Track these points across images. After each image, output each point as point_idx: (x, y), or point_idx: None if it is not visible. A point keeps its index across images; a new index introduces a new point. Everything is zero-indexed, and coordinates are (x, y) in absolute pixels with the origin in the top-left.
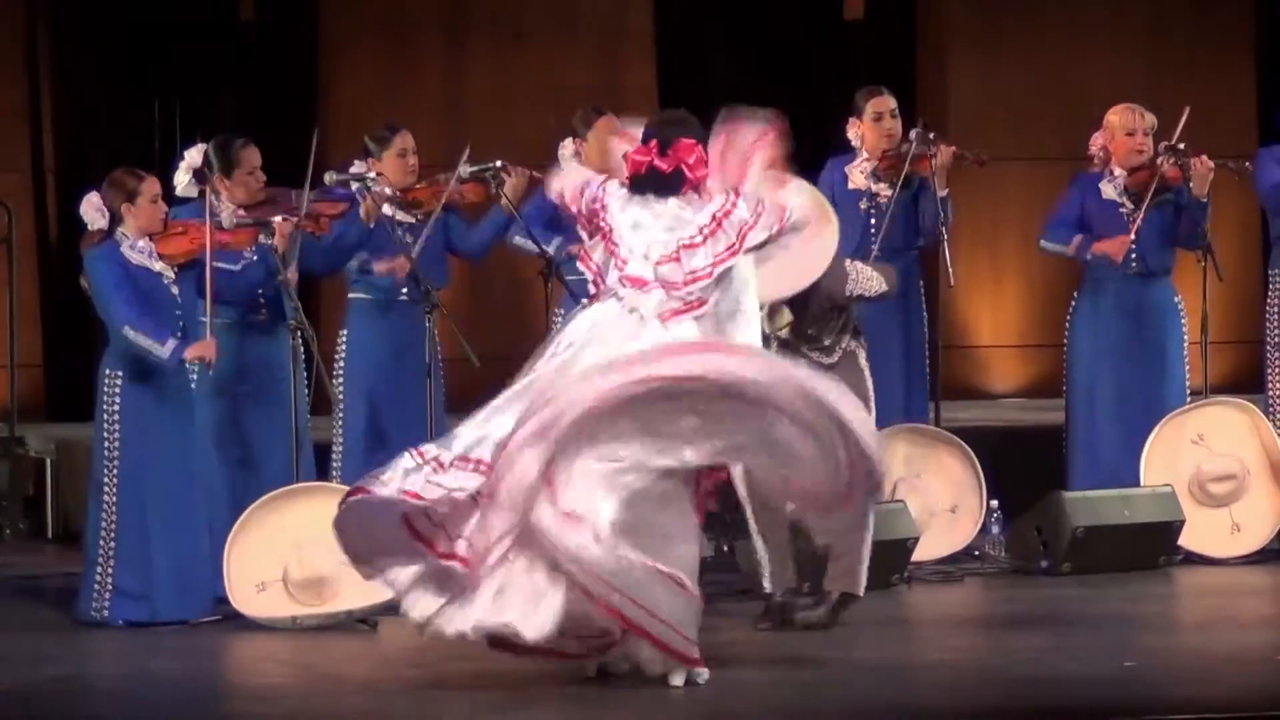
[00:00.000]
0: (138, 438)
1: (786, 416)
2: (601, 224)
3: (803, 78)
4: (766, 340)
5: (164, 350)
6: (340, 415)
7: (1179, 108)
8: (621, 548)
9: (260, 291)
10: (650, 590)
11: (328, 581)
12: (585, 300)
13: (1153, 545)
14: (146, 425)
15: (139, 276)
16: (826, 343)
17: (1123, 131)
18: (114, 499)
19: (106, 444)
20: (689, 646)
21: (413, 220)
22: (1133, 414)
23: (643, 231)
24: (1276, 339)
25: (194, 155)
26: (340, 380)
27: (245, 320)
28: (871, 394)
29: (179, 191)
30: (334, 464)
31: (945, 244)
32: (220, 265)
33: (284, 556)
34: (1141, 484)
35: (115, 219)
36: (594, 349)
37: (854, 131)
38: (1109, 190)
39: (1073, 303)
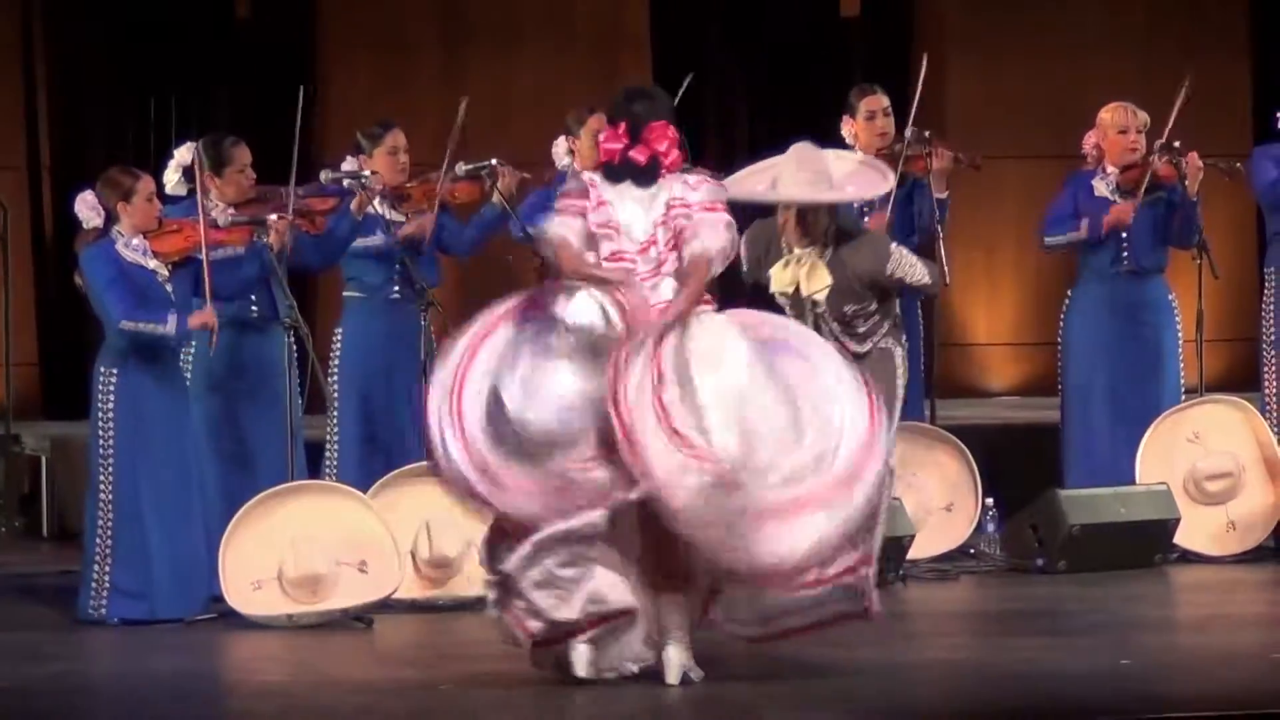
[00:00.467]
0: (133, 436)
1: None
2: (611, 221)
3: (799, 76)
4: (800, 303)
5: (167, 327)
6: (335, 413)
7: (1172, 101)
8: None
9: (254, 289)
10: None
11: (323, 579)
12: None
13: (1148, 543)
14: (142, 423)
15: (133, 274)
16: (861, 329)
17: (1115, 130)
18: (110, 497)
19: (102, 442)
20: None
21: (402, 219)
22: (1127, 412)
23: (634, 212)
24: (1273, 337)
25: (184, 154)
26: (335, 378)
27: (240, 318)
28: (900, 397)
29: (169, 190)
30: (328, 462)
31: (941, 242)
32: (215, 259)
33: (279, 554)
34: (1137, 482)
35: (110, 217)
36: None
37: (847, 130)
38: (1101, 188)
39: (1066, 300)
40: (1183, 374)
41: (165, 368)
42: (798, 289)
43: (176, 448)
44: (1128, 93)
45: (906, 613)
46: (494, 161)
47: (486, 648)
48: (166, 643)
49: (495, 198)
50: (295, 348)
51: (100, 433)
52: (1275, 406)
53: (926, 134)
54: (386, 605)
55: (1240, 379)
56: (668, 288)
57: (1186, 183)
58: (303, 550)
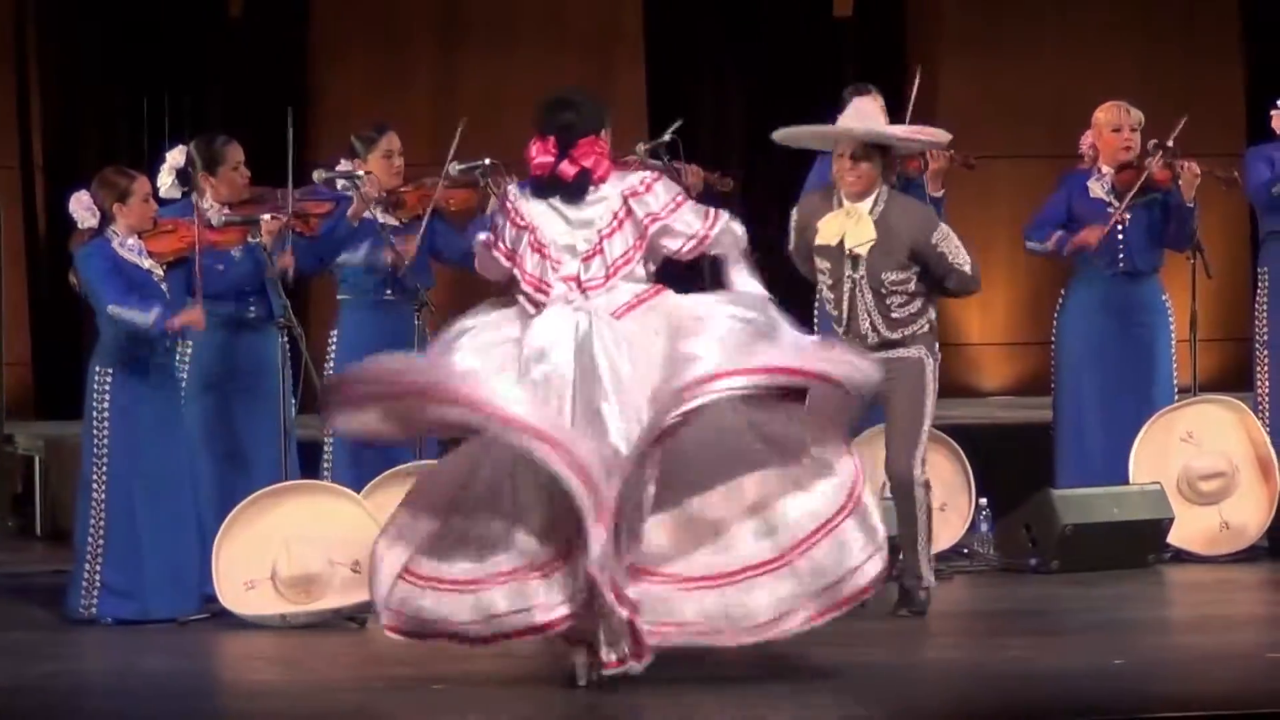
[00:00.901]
0: (127, 435)
1: None
2: (522, 224)
3: (793, 77)
4: (840, 260)
5: (148, 317)
6: None
7: (1168, 107)
8: None
9: (248, 289)
10: None
11: (316, 579)
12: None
13: (1142, 543)
14: (136, 423)
15: (129, 271)
16: (895, 311)
17: (1109, 128)
18: (103, 496)
19: (95, 441)
20: None
21: (396, 223)
22: (1121, 412)
23: (564, 227)
24: (1266, 337)
25: (176, 156)
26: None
27: (234, 318)
28: (928, 413)
29: (163, 193)
30: (325, 462)
31: None
32: (208, 259)
33: (273, 554)
34: (1130, 482)
35: (106, 218)
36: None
37: None
38: (1096, 189)
39: (1060, 300)
40: (1176, 374)
41: (159, 368)
42: (841, 242)
43: (170, 447)
44: (1122, 92)
45: (899, 613)
46: (487, 161)
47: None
48: (159, 642)
49: (491, 200)
50: (289, 348)
51: (94, 432)
52: (1268, 406)
53: None
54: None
55: (1233, 379)
56: (625, 291)
57: (1182, 187)
58: (296, 550)
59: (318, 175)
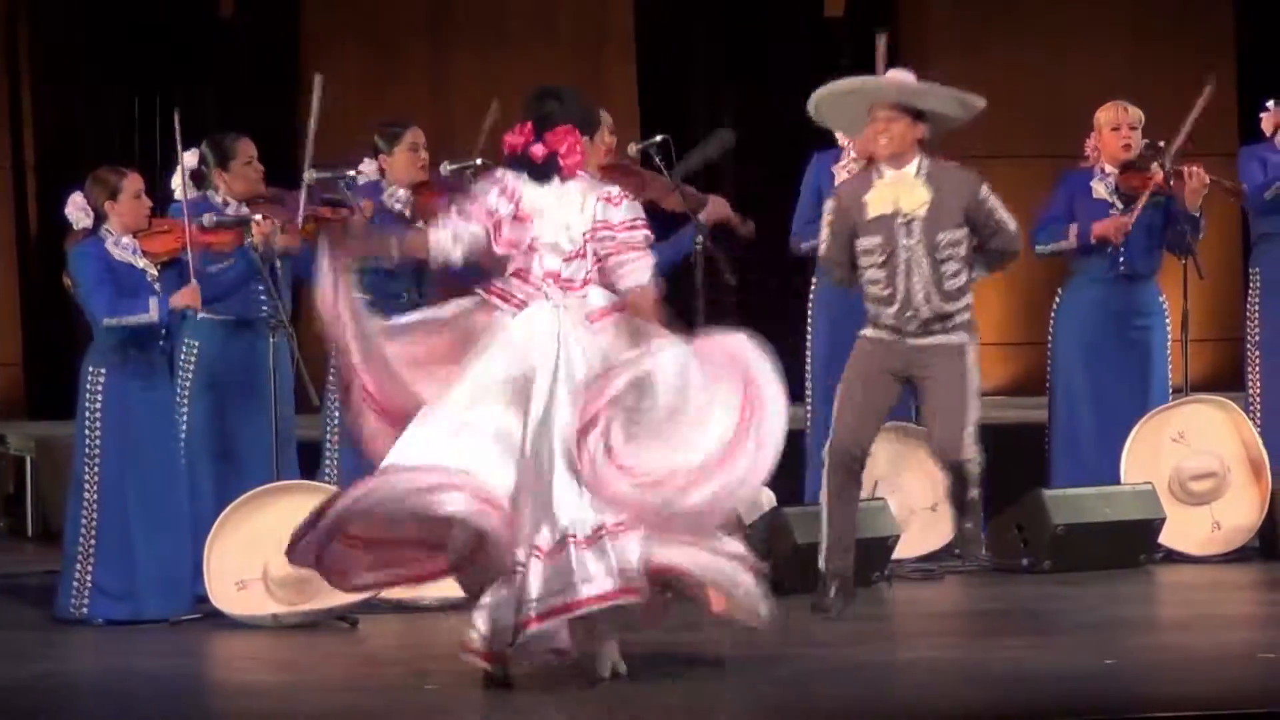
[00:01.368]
0: (119, 435)
1: None
2: (521, 215)
3: (783, 76)
4: (893, 229)
5: (150, 314)
6: (335, 414)
7: (1160, 105)
8: None
9: (243, 291)
10: None
11: (308, 580)
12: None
13: (1133, 543)
14: (129, 423)
15: (122, 271)
16: (950, 280)
17: (1108, 127)
18: (95, 496)
19: (88, 441)
20: None
21: (421, 224)
22: (1116, 413)
23: (552, 224)
24: (1257, 337)
25: (190, 158)
26: (332, 377)
27: (239, 318)
28: (971, 385)
29: (178, 195)
30: (326, 463)
31: None
32: (202, 265)
33: (264, 554)
34: (1122, 482)
35: (99, 216)
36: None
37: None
38: (1099, 189)
39: (1056, 301)
40: (1171, 376)
41: (152, 368)
42: (895, 211)
43: (162, 448)
44: (1113, 92)
45: (892, 612)
46: (479, 161)
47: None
48: (150, 643)
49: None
50: (280, 347)
51: (86, 433)
52: (1259, 406)
53: None
54: (371, 605)
55: (1225, 379)
56: (597, 296)
57: (1186, 199)
58: None
59: (309, 175)
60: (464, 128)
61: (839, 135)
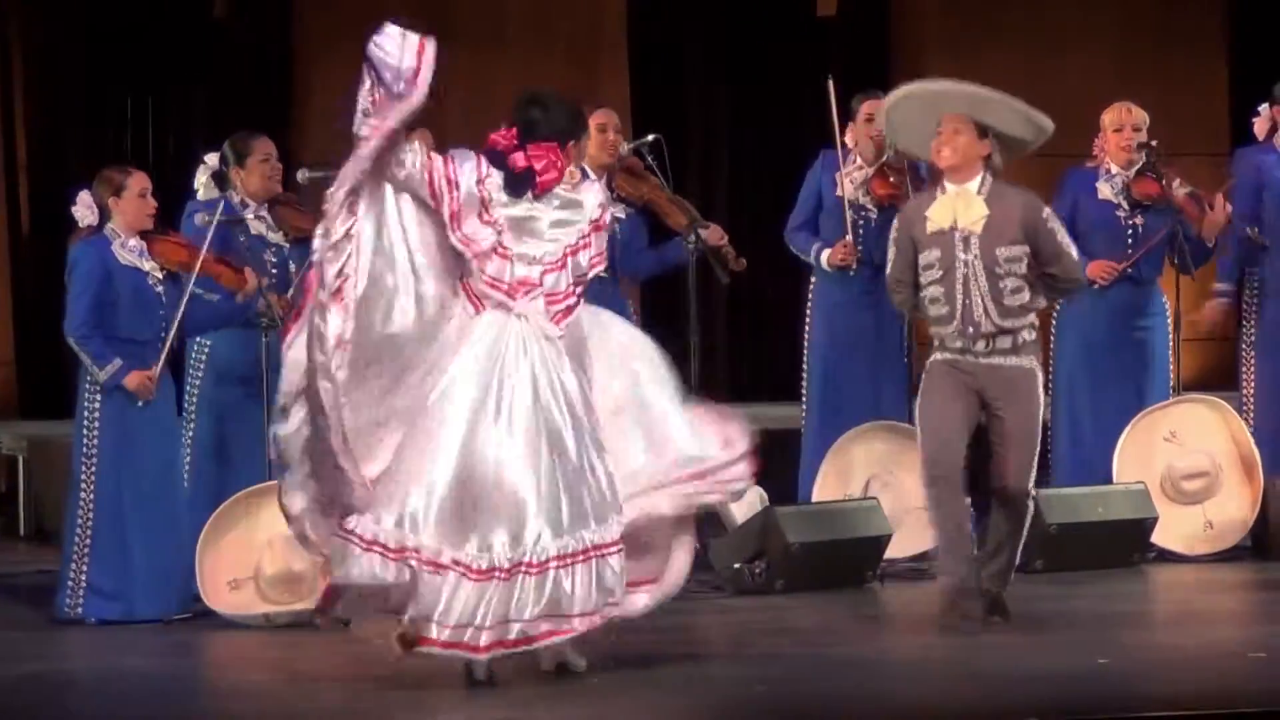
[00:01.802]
0: (116, 436)
1: None
2: (489, 219)
3: (776, 77)
4: (951, 244)
5: (102, 374)
6: None
7: (1150, 106)
8: None
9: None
10: None
11: (300, 578)
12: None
13: (1126, 542)
14: (126, 423)
15: (123, 276)
16: (1008, 297)
17: (1111, 129)
18: (91, 496)
19: (85, 442)
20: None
21: None
22: (1118, 414)
23: (529, 232)
24: (1252, 338)
25: (212, 159)
26: None
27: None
28: (1040, 423)
29: (200, 196)
30: None
31: None
32: (198, 292)
33: (256, 554)
34: (1114, 481)
35: (104, 215)
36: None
37: (850, 135)
38: (1105, 190)
39: (1060, 301)
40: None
41: (156, 371)
42: (954, 225)
43: (159, 448)
44: (1104, 92)
45: (884, 611)
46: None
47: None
48: (142, 642)
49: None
50: (271, 348)
51: (85, 433)
52: (1254, 407)
53: None
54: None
55: (1217, 378)
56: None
57: (1203, 231)
58: (279, 549)
59: (301, 175)
60: (457, 130)
61: (849, 141)
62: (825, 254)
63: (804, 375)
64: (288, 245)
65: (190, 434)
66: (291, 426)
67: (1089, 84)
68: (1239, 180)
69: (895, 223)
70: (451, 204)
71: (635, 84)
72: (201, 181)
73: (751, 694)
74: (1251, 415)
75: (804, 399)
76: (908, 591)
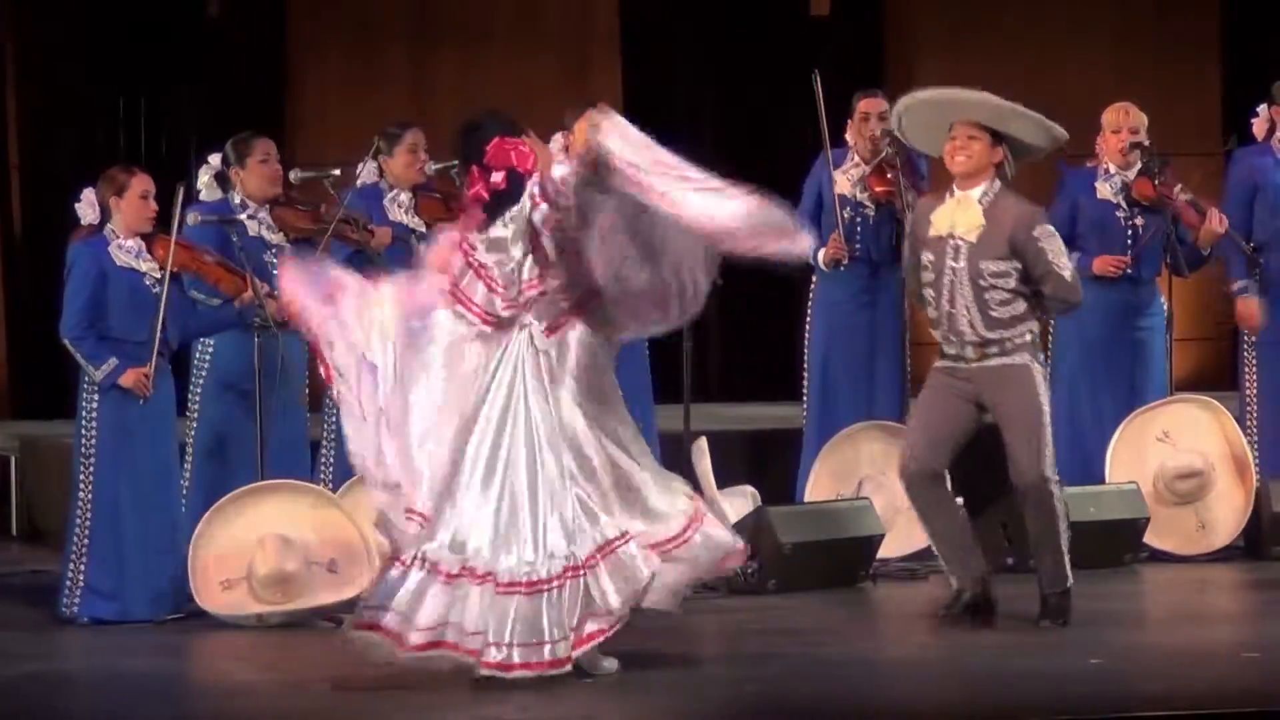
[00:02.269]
0: (113, 436)
1: None
2: (473, 263)
3: (768, 76)
4: (943, 250)
5: (98, 374)
6: (332, 414)
7: (1144, 107)
8: None
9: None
10: None
11: (293, 579)
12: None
13: (1118, 542)
14: (123, 424)
15: (118, 277)
16: (995, 309)
17: (1110, 130)
18: (89, 496)
19: (84, 442)
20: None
21: (423, 228)
22: (1116, 413)
23: (502, 257)
24: (1254, 337)
25: (215, 159)
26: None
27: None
28: (1045, 411)
29: (203, 196)
30: (322, 462)
31: None
32: (198, 296)
33: (249, 554)
34: (1107, 481)
35: (106, 214)
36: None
37: (850, 133)
38: (1104, 190)
39: None
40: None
41: (151, 368)
42: (948, 234)
43: (158, 448)
44: (1099, 93)
45: (876, 611)
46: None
47: None
48: (135, 642)
49: None
50: (266, 348)
51: (83, 433)
52: (1256, 406)
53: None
54: (356, 604)
55: (1209, 378)
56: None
57: (1199, 239)
58: (272, 550)
59: (294, 175)
60: (449, 128)
61: (849, 138)
62: (821, 252)
63: (805, 375)
64: (289, 245)
65: (192, 435)
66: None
67: (1084, 85)
68: (1233, 182)
69: (911, 215)
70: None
71: (627, 82)
72: (204, 182)
73: (744, 694)
74: (1254, 416)
75: (804, 399)
76: (900, 591)
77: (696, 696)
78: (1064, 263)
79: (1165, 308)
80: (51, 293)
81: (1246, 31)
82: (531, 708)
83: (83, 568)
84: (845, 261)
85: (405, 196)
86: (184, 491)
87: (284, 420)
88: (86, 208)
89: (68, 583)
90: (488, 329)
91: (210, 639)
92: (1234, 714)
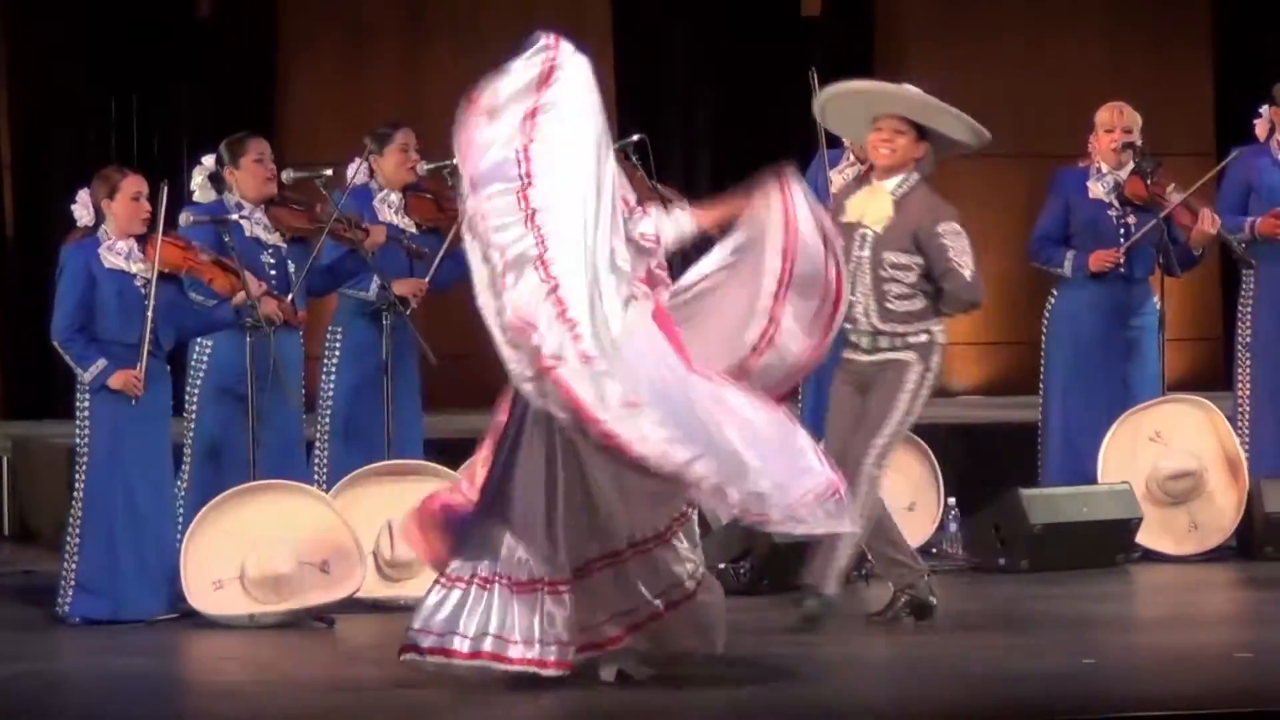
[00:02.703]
0: (106, 436)
1: None
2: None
3: (760, 75)
4: (850, 238)
5: (87, 375)
6: (326, 413)
7: (1137, 105)
8: None
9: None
10: None
11: (285, 579)
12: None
13: (1110, 543)
14: (116, 424)
15: (108, 280)
16: (892, 302)
17: (1103, 129)
18: (80, 495)
19: (78, 440)
20: None
21: (414, 229)
22: (1109, 413)
23: None
24: (1247, 338)
25: (209, 160)
26: (333, 377)
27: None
28: (902, 410)
29: (196, 196)
30: (315, 462)
31: None
32: (197, 298)
33: (241, 554)
34: (1099, 481)
35: (100, 215)
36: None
37: None
38: (1097, 189)
39: (1050, 299)
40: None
41: (146, 366)
42: (858, 222)
43: (151, 449)
44: (1091, 93)
45: (868, 610)
46: (455, 160)
47: None
48: (127, 642)
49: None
50: (257, 346)
51: (78, 431)
52: (1249, 408)
53: None
54: (348, 605)
55: (1203, 378)
56: None
57: (1191, 240)
58: (264, 550)
59: (286, 175)
60: (441, 126)
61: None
62: None
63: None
64: (285, 245)
65: (191, 434)
66: None
67: (1075, 84)
68: (1229, 179)
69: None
70: None
71: (619, 82)
72: (197, 183)
73: (737, 693)
74: (1247, 417)
75: (800, 397)
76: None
77: (688, 695)
78: (966, 261)
79: (1158, 307)
80: (43, 294)
81: (1239, 30)
82: (519, 707)
83: (74, 566)
84: None
85: (395, 197)
86: (183, 492)
87: (280, 421)
88: (81, 209)
89: (60, 582)
90: None
91: (202, 639)
92: (1227, 714)
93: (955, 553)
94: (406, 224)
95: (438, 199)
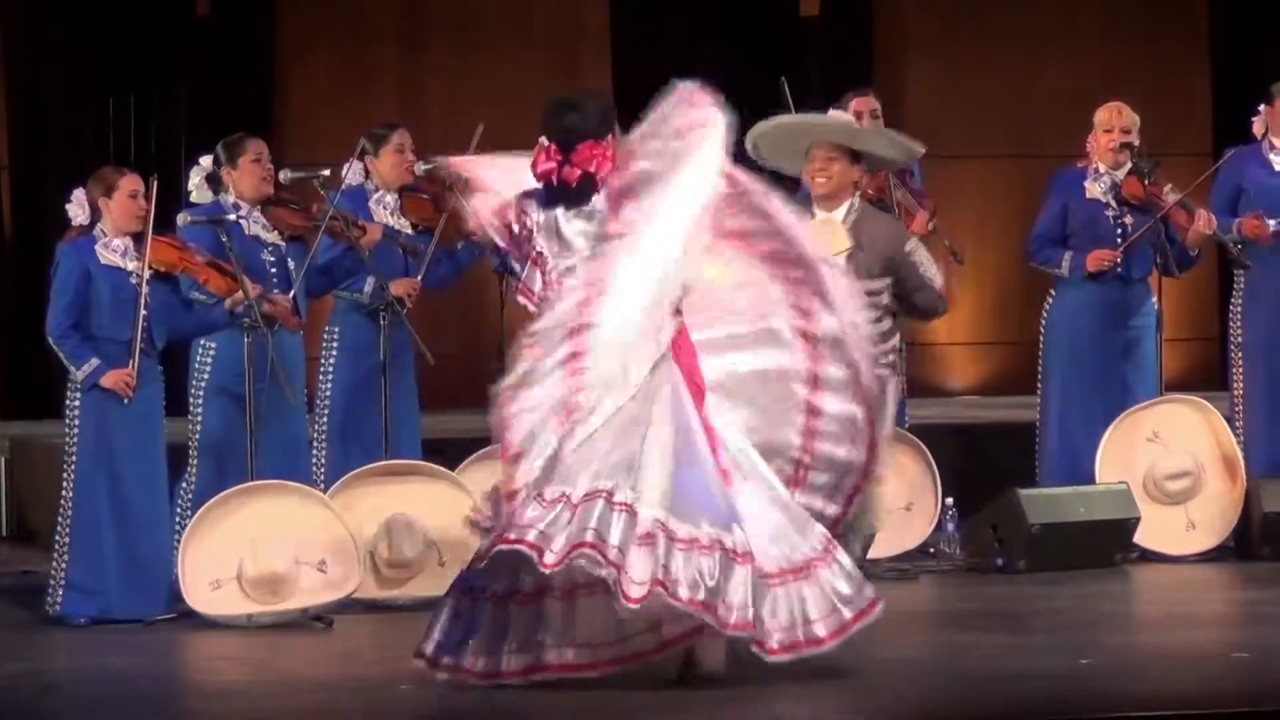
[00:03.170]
0: (96, 435)
1: None
2: (530, 251)
3: (758, 76)
4: None
5: (79, 373)
6: (323, 413)
7: (1132, 106)
8: None
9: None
10: None
11: (283, 579)
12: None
13: (1108, 543)
14: (106, 423)
15: (103, 277)
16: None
17: (1101, 129)
18: (69, 494)
19: (66, 439)
20: None
21: (409, 229)
22: (1108, 414)
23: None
24: (1240, 339)
25: (206, 160)
26: (330, 378)
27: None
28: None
29: (193, 197)
30: (314, 461)
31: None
32: (198, 298)
33: (239, 554)
34: (1097, 481)
35: (96, 214)
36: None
37: None
38: (1094, 189)
39: (1049, 299)
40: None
41: (139, 365)
42: None
43: (142, 448)
44: (1088, 93)
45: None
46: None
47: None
48: (124, 643)
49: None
50: (256, 348)
51: (66, 429)
52: (1244, 409)
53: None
54: (346, 605)
55: (1200, 378)
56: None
57: (1187, 239)
58: (262, 550)
59: (284, 175)
60: (438, 127)
61: None
62: None
63: None
64: (284, 244)
65: (195, 435)
66: None
67: (1072, 85)
68: (1220, 180)
69: None
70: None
71: (616, 81)
72: (195, 183)
73: (738, 694)
74: (1241, 417)
75: None
76: (890, 592)
77: (685, 698)
78: (934, 273)
79: (1156, 307)
80: (41, 294)
81: (1234, 31)
82: (520, 703)
83: (64, 565)
84: None
85: (390, 198)
86: (188, 493)
87: (283, 421)
88: (77, 208)
89: (50, 581)
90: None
91: (200, 639)
92: (1224, 714)
93: (953, 553)
94: (402, 225)
95: (435, 199)
